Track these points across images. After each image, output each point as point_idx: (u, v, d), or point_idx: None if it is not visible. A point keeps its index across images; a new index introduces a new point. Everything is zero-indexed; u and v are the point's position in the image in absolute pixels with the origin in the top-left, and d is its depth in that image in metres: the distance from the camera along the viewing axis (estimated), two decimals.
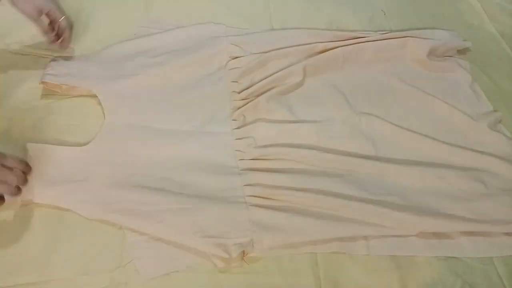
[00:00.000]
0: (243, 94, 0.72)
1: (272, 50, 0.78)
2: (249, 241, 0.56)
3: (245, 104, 0.71)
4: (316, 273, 0.56)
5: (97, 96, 0.68)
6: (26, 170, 0.55)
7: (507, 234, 0.61)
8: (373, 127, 0.71)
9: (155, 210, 0.57)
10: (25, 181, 0.54)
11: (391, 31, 0.86)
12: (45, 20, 0.68)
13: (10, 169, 0.53)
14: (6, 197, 0.53)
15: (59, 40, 0.70)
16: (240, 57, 0.77)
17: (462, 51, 0.86)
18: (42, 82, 0.68)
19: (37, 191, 0.57)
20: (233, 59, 0.77)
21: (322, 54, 0.78)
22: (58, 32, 0.70)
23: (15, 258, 0.53)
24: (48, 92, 0.69)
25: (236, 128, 0.68)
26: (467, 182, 0.65)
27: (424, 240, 0.60)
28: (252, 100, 0.71)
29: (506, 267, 0.59)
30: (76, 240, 0.55)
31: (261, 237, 0.56)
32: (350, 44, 0.80)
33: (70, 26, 0.72)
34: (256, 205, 0.59)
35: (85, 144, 0.63)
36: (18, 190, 0.53)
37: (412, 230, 0.59)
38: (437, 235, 0.60)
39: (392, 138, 0.70)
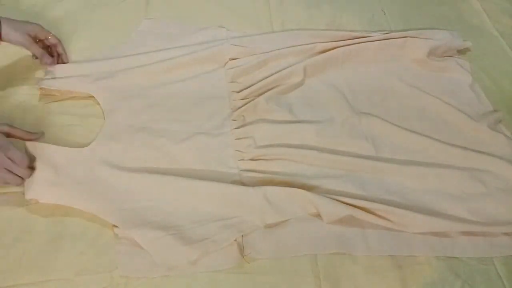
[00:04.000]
0: (243, 94, 0.72)
1: (272, 50, 0.78)
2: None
3: (244, 104, 0.71)
4: (316, 273, 0.56)
5: None
6: (30, 164, 0.57)
7: (507, 234, 0.61)
8: (373, 127, 0.71)
9: (153, 207, 0.58)
10: (29, 174, 0.57)
11: (391, 31, 0.86)
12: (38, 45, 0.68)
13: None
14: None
15: (56, 58, 0.71)
16: (240, 58, 0.77)
17: (462, 51, 0.86)
18: (40, 88, 0.68)
19: (40, 191, 0.57)
20: (232, 59, 0.77)
21: (322, 54, 0.78)
22: (51, 50, 0.71)
23: (15, 258, 0.53)
24: (47, 97, 0.69)
25: (235, 128, 0.68)
26: (467, 182, 0.66)
27: (424, 240, 0.60)
28: (252, 100, 0.71)
29: (506, 267, 0.59)
30: (76, 240, 0.55)
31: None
32: (350, 44, 0.80)
33: (59, 41, 0.71)
34: None
35: (85, 145, 0.63)
36: (22, 181, 0.56)
37: (412, 228, 0.59)
38: (437, 234, 0.60)
39: (392, 138, 0.70)
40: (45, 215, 0.57)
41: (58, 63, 0.71)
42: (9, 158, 0.54)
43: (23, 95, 0.69)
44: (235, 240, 0.56)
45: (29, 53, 0.68)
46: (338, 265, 0.57)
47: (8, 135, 0.57)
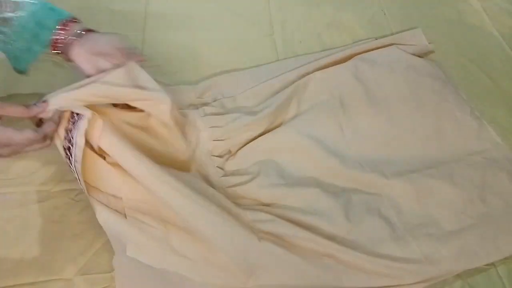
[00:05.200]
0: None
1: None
2: None
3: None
4: None
5: None
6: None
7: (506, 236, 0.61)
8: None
9: None
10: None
11: (392, 33, 0.86)
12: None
13: None
14: None
15: None
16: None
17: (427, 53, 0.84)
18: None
19: None
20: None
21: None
22: None
23: (15, 258, 0.53)
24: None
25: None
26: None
27: None
28: None
29: (506, 267, 0.59)
30: (76, 240, 0.56)
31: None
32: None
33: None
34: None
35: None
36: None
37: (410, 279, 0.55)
38: None
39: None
40: (45, 214, 0.57)
41: None
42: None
43: (24, 94, 0.69)
44: None
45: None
46: None
47: None
